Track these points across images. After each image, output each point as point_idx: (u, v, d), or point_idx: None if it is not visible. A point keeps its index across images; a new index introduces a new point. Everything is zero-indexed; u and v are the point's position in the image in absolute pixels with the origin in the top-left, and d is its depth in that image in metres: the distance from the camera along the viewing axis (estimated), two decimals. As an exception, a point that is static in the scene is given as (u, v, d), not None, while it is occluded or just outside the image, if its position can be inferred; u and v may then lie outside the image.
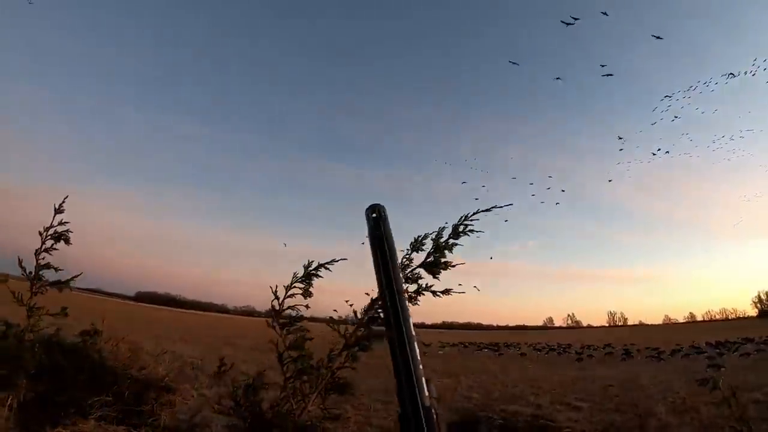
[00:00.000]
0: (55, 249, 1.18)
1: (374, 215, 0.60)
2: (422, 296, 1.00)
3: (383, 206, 0.62)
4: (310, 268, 0.94)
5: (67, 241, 1.16)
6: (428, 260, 0.98)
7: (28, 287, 1.14)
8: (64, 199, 1.20)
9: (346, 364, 0.96)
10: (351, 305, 1.00)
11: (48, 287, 1.18)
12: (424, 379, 0.54)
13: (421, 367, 0.56)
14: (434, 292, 0.99)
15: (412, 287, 1.00)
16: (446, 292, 0.98)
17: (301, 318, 0.93)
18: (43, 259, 1.15)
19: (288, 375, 0.95)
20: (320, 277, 0.95)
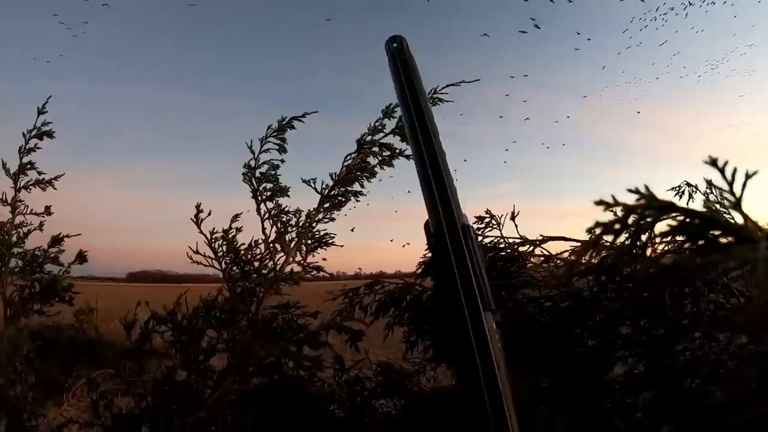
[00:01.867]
0: (38, 148, 1.19)
1: (395, 45, 0.58)
2: (397, 161, 1.00)
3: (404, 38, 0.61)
4: (284, 122, 0.94)
5: (50, 136, 1.18)
6: (400, 124, 0.98)
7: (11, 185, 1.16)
8: (47, 99, 1.22)
9: (325, 218, 0.95)
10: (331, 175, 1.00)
11: (32, 186, 1.19)
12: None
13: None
14: (408, 156, 0.99)
15: (386, 153, 1.00)
16: None
17: (277, 167, 0.93)
18: (27, 155, 1.16)
19: (267, 234, 0.94)
20: (294, 129, 0.95)
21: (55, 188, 1.21)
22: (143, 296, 0.90)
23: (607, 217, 0.31)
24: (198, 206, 0.95)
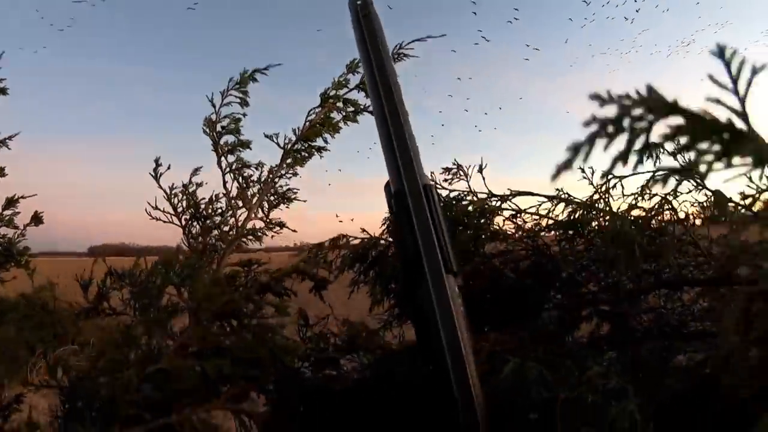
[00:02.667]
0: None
1: (359, 3, 0.53)
2: (361, 116, 0.98)
3: None
4: (246, 74, 0.90)
5: (4, 93, 1.12)
6: (364, 80, 0.95)
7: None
8: (0, 55, 1.15)
9: (289, 173, 0.92)
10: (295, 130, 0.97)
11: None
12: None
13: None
14: (371, 111, 0.96)
15: (350, 109, 0.97)
16: None
17: (239, 120, 0.90)
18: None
19: (228, 189, 0.91)
20: (257, 81, 0.92)
21: (9, 148, 1.15)
22: (106, 270, 0.86)
23: (606, 112, 0.27)
24: (157, 160, 0.91)
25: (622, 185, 0.92)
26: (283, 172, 0.92)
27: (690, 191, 0.97)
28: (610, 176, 0.94)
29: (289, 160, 0.92)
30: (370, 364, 0.88)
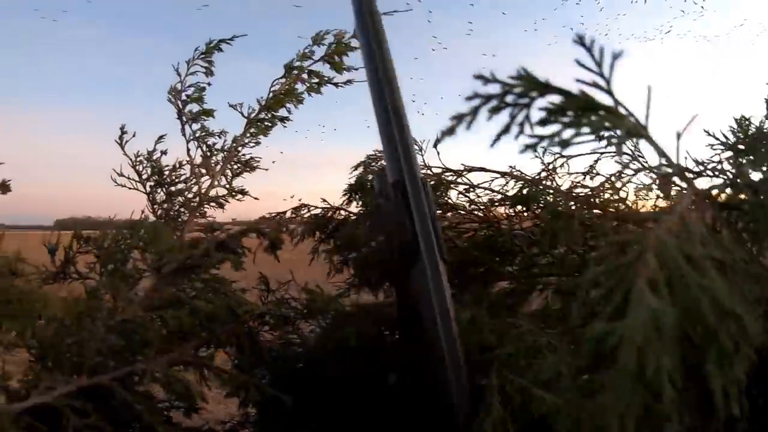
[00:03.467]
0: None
1: None
2: (324, 88, 1.00)
3: None
4: (211, 44, 0.91)
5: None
6: (329, 52, 0.96)
7: None
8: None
9: (252, 142, 0.95)
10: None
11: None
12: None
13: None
14: (336, 84, 0.98)
15: (314, 81, 0.99)
16: (348, 82, 0.98)
17: (203, 89, 0.91)
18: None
19: (192, 156, 0.93)
20: (222, 51, 0.93)
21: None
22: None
23: (489, 90, 0.31)
24: (122, 128, 0.92)
25: (567, 165, 0.97)
26: (246, 141, 0.94)
27: (636, 173, 1.03)
28: (557, 155, 0.99)
29: (252, 130, 0.94)
30: (326, 327, 0.93)
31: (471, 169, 0.92)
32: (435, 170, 0.90)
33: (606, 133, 0.31)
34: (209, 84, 0.91)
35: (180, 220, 0.90)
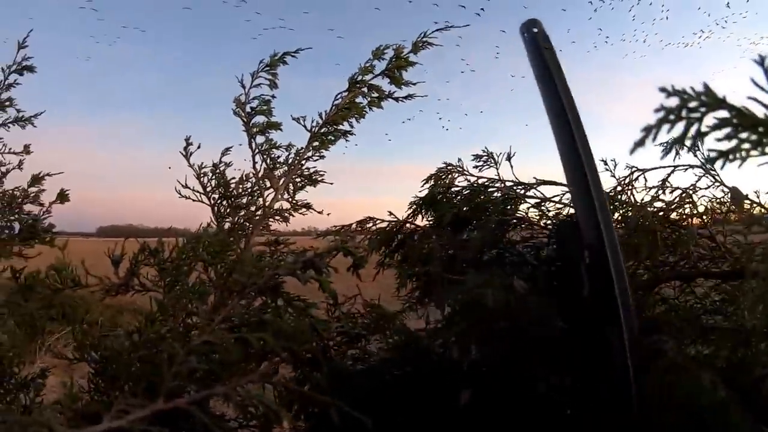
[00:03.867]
0: (18, 84, 1.14)
1: (535, 30, 0.54)
2: (385, 102, 0.98)
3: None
4: (276, 57, 0.91)
5: (31, 70, 1.13)
6: (390, 66, 0.96)
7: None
8: (28, 33, 1.15)
9: (315, 156, 0.94)
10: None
11: (11, 124, 1.14)
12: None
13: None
14: (396, 98, 0.97)
15: (374, 95, 0.97)
16: (408, 97, 0.97)
17: (268, 102, 0.91)
18: (6, 91, 1.11)
19: (257, 169, 0.92)
20: (287, 64, 0.93)
21: (34, 126, 1.16)
22: (114, 251, 0.87)
23: (670, 102, 0.31)
24: (187, 139, 0.93)
25: (645, 178, 0.93)
26: (309, 154, 0.93)
27: (708, 187, 0.98)
28: (633, 169, 0.95)
29: (315, 143, 0.93)
30: (393, 347, 0.90)
31: (542, 183, 0.88)
32: (507, 183, 0.87)
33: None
34: (273, 96, 0.91)
35: (243, 232, 0.89)
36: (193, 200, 0.91)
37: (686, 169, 0.97)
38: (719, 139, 0.29)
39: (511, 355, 0.55)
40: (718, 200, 1.02)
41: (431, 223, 0.85)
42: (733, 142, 0.29)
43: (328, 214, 0.93)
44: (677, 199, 0.95)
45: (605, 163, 0.96)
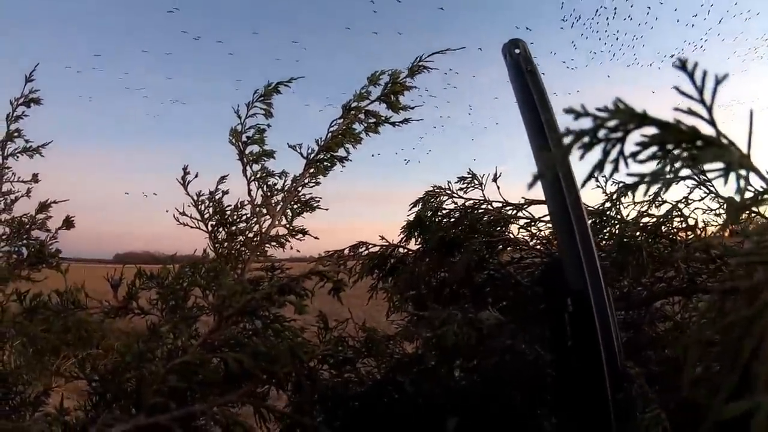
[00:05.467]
0: (26, 116, 1.19)
1: (517, 51, 0.52)
2: (381, 127, 1.01)
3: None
4: (270, 87, 0.95)
5: (37, 102, 1.18)
6: (385, 92, 0.98)
7: None
8: (35, 67, 1.21)
9: (311, 182, 0.96)
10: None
11: (20, 153, 1.19)
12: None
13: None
14: (393, 123, 1.00)
15: (371, 120, 1.00)
16: (405, 121, 0.99)
17: (263, 131, 0.94)
18: (15, 120, 1.16)
19: (253, 197, 0.95)
20: (280, 93, 0.96)
21: (42, 155, 1.21)
22: (130, 276, 0.90)
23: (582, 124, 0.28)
24: (185, 168, 0.96)
25: (633, 194, 0.93)
26: (306, 181, 0.96)
27: (702, 198, 0.98)
28: (620, 184, 0.96)
29: (312, 170, 0.95)
30: (386, 369, 0.90)
31: (531, 203, 0.90)
32: (495, 204, 0.88)
33: (710, 166, 0.28)
34: (269, 125, 0.94)
35: (240, 258, 0.91)
36: (191, 227, 0.94)
37: (678, 182, 0.97)
38: (641, 161, 0.27)
39: (480, 390, 0.55)
40: (713, 211, 1.01)
41: (421, 247, 0.87)
42: (657, 164, 0.27)
43: (316, 238, 0.95)
44: (666, 213, 0.95)
45: (596, 180, 0.97)
